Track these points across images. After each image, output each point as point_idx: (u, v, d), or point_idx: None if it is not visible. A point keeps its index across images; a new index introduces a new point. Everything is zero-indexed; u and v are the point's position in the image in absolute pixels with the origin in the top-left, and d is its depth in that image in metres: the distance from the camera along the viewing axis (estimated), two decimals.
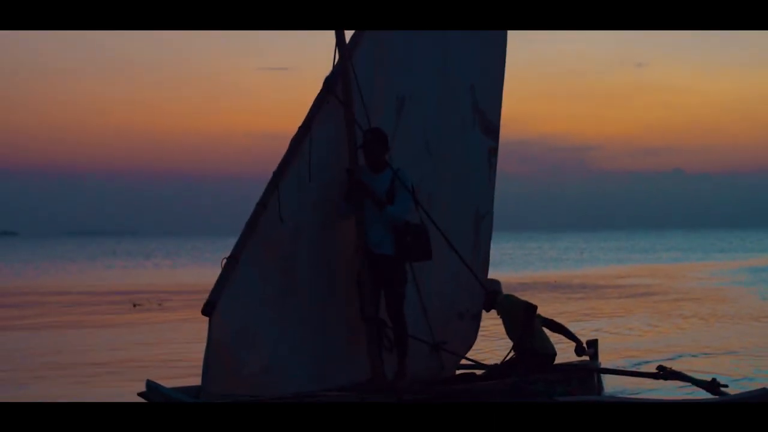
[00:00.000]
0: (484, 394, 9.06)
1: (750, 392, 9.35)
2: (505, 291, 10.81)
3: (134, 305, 26.46)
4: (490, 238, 11.01)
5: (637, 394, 11.02)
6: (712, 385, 9.64)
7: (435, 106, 10.20)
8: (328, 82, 9.21)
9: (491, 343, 14.58)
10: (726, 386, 9.67)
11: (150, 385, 8.44)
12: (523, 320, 10.29)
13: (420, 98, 10.01)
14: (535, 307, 10.35)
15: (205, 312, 8.19)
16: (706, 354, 15.01)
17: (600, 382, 10.78)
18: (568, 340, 10.87)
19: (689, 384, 9.90)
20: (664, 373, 10.03)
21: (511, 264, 52.41)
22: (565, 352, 11.01)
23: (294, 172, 8.90)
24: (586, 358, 10.87)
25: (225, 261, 8.50)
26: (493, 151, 10.91)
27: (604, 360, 11.51)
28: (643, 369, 11.80)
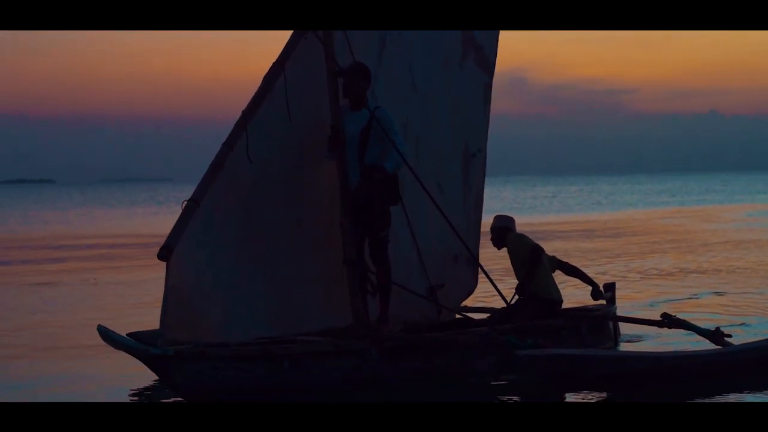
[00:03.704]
0: (456, 344, 8.95)
1: (752, 343, 9.20)
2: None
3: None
4: (483, 177, 10.69)
5: (641, 340, 10.87)
6: (716, 335, 9.53)
7: (419, 42, 9.86)
8: None
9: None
10: (730, 336, 9.54)
11: (101, 330, 8.24)
12: (528, 262, 10.03)
13: (402, 34, 9.66)
14: (540, 249, 10.00)
15: (161, 256, 7.91)
16: (719, 293, 14.79)
17: (617, 326, 10.56)
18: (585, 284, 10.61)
19: (693, 333, 9.78)
20: (668, 321, 9.87)
21: (543, 208, 52.08)
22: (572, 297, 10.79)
23: (264, 111, 8.53)
24: (602, 301, 10.56)
25: (185, 203, 8.21)
26: (488, 88, 10.58)
27: (622, 304, 11.31)
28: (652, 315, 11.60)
